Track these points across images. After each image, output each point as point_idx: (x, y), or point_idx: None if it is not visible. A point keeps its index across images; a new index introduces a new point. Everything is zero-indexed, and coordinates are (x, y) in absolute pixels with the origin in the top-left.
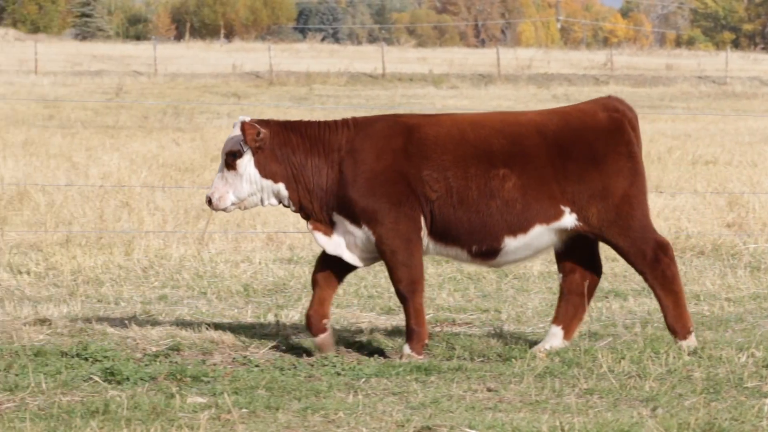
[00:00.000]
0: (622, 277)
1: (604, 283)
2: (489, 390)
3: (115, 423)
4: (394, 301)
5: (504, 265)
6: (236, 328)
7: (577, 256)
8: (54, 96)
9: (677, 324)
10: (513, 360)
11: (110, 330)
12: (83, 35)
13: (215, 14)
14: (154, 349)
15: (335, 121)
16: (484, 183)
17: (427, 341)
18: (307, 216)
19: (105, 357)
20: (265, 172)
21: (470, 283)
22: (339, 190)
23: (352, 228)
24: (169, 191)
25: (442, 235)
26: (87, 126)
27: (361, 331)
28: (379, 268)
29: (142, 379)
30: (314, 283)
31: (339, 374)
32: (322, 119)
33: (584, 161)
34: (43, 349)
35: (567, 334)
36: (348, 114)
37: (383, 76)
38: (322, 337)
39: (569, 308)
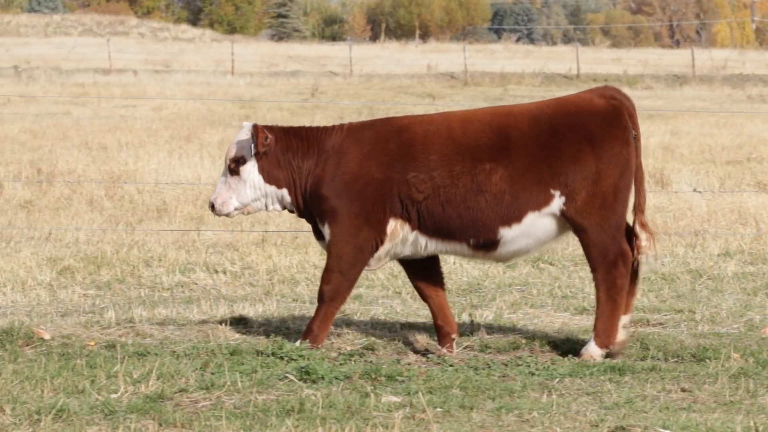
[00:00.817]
0: None
1: None
2: (683, 390)
3: (310, 422)
4: (588, 302)
5: (509, 257)
6: (430, 328)
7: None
8: (250, 96)
9: (603, 333)
10: (707, 360)
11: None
12: (279, 36)
13: (410, 15)
14: (349, 348)
15: (333, 126)
16: (470, 179)
17: (319, 345)
18: (310, 221)
19: (300, 356)
20: (269, 178)
21: (664, 284)
22: (315, 188)
23: (320, 225)
24: None
25: (436, 232)
26: None
27: (555, 331)
28: (573, 269)
29: (337, 378)
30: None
31: (533, 374)
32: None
33: (580, 143)
34: (239, 348)
35: (625, 309)
36: None
37: (578, 77)
38: None
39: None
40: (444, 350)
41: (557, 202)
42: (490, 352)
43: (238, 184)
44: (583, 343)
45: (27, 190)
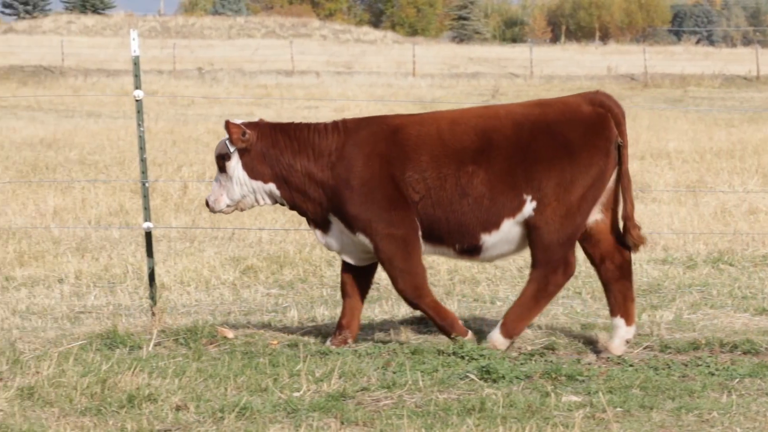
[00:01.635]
0: None
1: None
2: None
3: (491, 421)
4: None
5: (493, 259)
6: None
7: (604, 245)
8: (431, 98)
9: (512, 323)
10: None
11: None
12: (460, 38)
13: (590, 17)
14: (529, 347)
15: (325, 124)
16: (455, 181)
17: (460, 322)
18: (303, 214)
19: (481, 356)
20: (253, 174)
21: None
22: (333, 196)
23: (347, 231)
24: None
25: (429, 235)
26: None
27: (735, 332)
28: (753, 269)
29: (517, 378)
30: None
31: (713, 374)
32: (696, 121)
33: (558, 149)
34: (420, 347)
35: (628, 321)
36: (723, 116)
37: (757, 79)
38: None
39: (617, 296)
40: (329, 343)
41: (528, 208)
42: (670, 353)
43: (227, 181)
44: (760, 343)
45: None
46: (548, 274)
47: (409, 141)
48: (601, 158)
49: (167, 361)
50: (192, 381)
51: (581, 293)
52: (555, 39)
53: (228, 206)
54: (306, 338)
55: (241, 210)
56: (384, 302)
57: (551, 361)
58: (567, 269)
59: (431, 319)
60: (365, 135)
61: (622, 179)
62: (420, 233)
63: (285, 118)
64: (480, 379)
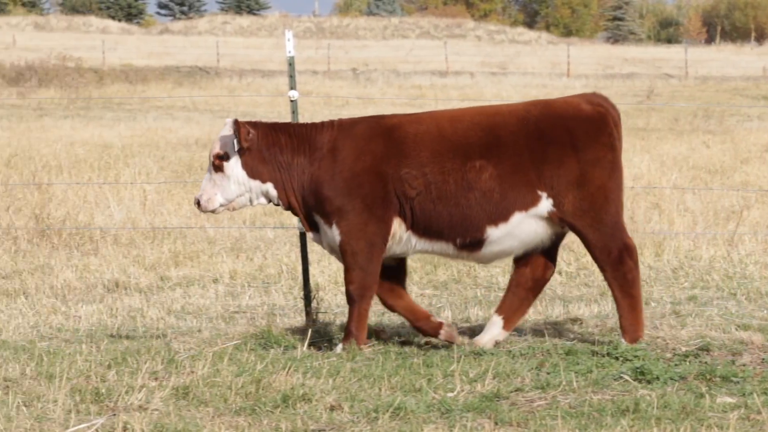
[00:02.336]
0: None
1: None
2: None
3: (645, 422)
4: None
5: (491, 258)
6: (766, 329)
7: (532, 251)
8: None
9: (630, 327)
10: None
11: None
12: (615, 38)
13: (746, 17)
14: (683, 349)
15: (322, 122)
16: (461, 176)
17: (362, 346)
18: (296, 214)
19: (635, 356)
20: (252, 173)
21: None
22: (316, 188)
23: (326, 228)
24: (698, 193)
25: (426, 230)
26: None
27: None
28: None
29: (671, 379)
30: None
31: None
32: None
33: (564, 146)
34: (574, 348)
35: (507, 325)
36: None
37: None
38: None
39: (515, 301)
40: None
41: (545, 204)
42: None
43: (222, 180)
44: None
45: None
46: (617, 268)
47: (406, 138)
48: (607, 152)
49: (321, 361)
50: (346, 381)
51: (736, 294)
52: (710, 39)
53: (221, 206)
54: (460, 338)
55: (232, 210)
56: (538, 303)
57: (705, 363)
58: (631, 252)
59: (349, 320)
60: (359, 131)
61: None
62: (394, 235)
63: None
64: (634, 380)
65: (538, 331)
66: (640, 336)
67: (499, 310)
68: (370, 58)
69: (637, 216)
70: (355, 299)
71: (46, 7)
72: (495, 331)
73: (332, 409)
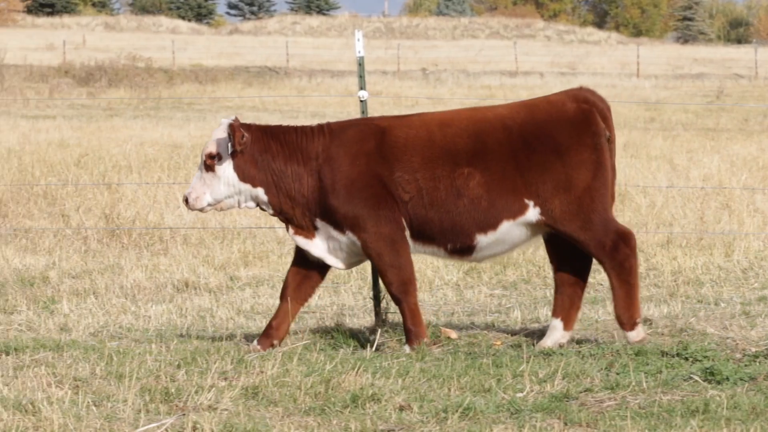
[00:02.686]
0: None
1: None
2: None
3: (715, 423)
4: None
5: (483, 260)
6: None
7: (566, 247)
8: (655, 99)
9: (625, 315)
10: None
11: (710, 330)
12: (684, 38)
13: None
14: (753, 349)
15: (311, 128)
16: (450, 183)
17: (426, 339)
18: (286, 220)
19: (705, 357)
20: (243, 177)
21: None
22: (320, 198)
23: (335, 233)
24: None
25: (419, 234)
26: (687, 128)
27: None
28: None
29: (741, 380)
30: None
31: None
32: None
33: (548, 152)
34: (643, 348)
35: (567, 326)
36: None
37: None
38: None
39: (565, 300)
40: (257, 345)
41: (532, 213)
42: None
43: (213, 180)
44: None
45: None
46: (614, 257)
47: (398, 142)
48: (591, 153)
49: (391, 362)
50: (415, 381)
51: None
52: None
53: (209, 205)
54: (529, 339)
55: (220, 210)
56: (608, 302)
57: None
58: (627, 240)
59: (404, 319)
60: (351, 135)
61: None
62: (407, 232)
63: None
64: (704, 381)
65: (606, 332)
66: (636, 322)
67: (555, 313)
68: (440, 59)
69: (707, 216)
70: (399, 298)
71: (116, 7)
72: (556, 335)
73: (401, 409)
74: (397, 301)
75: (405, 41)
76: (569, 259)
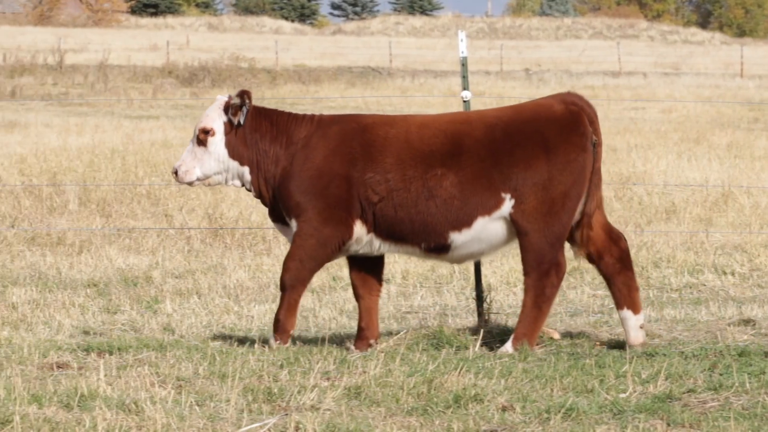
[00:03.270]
0: None
1: None
2: None
3: None
4: None
5: (462, 259)
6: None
7: (596, 240)
8: (759, 99)
9: (526, 336)
10: None
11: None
12: None
13: None
14: None
15: (303, 116)
16: (422, 183)
17: (292, 332)
18: (265, 204)
19: None
20: (233, 154)
21: None
22: (283, 181)
23: (287, 219)
24: None
25: (389, 234)
26: None
27: None
28: None
29: None
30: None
31: None
32: None
33: (534, 148)
34: (747, 349)
35: (635, 310)
36: None
37: None
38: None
39: (621, 288)
40: (354, 348)
41: (507, 206)
42: None
43: (204, 155)
44: None
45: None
46: (541, 279)
47: (376, 141)
48: (578, 154)
49: (493, 362)
50: (518, 381)
51: None
52: None
53: (198, 179)
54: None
55: (207, 185)
56: (711, 303)
57: None
58: (558, 270)
59: (278, 309)
60: (334, 131)
61: (593, 176)
62: (349, 239)
63: (612, 119)
64: None
65: (710, 333)
66: (531, 345)
67: (620, 305)
68: (543, 59)
69: None
70: (287, 287)
71: (220, 7)
72: (632, 323)
73: (504, 409)
74: (282, 289)
75: (508, 41)
76: (607, 250)
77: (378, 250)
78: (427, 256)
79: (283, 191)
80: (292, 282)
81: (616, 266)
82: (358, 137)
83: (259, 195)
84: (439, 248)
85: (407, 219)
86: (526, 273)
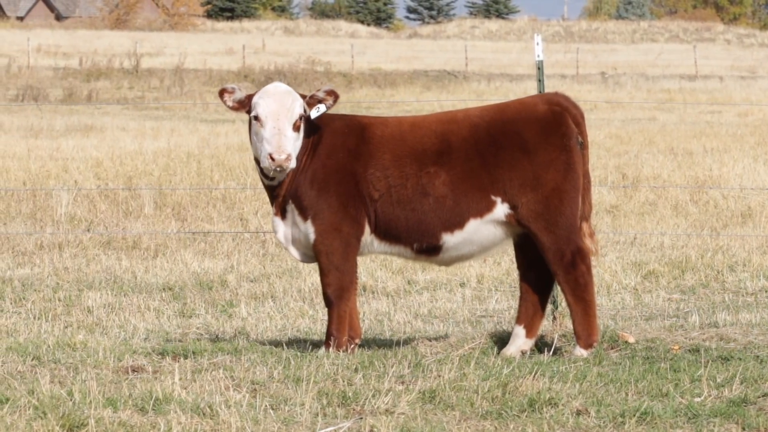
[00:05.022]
0: None
1: None
2: None
3: None
4: None
5: (451, 262)
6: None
7: (533, 254)
8: None
9: (584, 332)
10: None
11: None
12: None
13: None
14: None
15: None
16: (416, 181)
17: (342, 348)
18: (273, 197)
19: None
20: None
21: None
22: (296, 179)
23: (299, 220)
24: None
25: (386, 233)
26: None
27: None
28: None
29: None
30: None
31: None
32: None
33: (515, 150)
34: None
35: (530, 333)
36: None
37: None
38: None
39: (529, 307)
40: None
41: (500, 209)
42: None
43: (297, 141)
44: None
45: (613, 194)
46: (569, 271)
47: (374, 139)
48: (560, 153)
49: (568, 366)
50: (593, 385)
51: None
52: None
53: (291, 168)
54: (707, 343)
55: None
56: None
57: None
58: (584, 257)
59: (330, 323)
60: (336, 126)
61: (583, 178)
62: (366, 235)
63: (688, 123)
64: None
65: None
66: (594, 341)
67: (519, 320)
68: (619, 62)
69: None
70: (333, 302)
71: (296, 12)
72: (519, 342)
73: (579, 413)
74: (328, 304)
75: (584, 45)
76: (536, 266)
77: (373, 250)
78: (417, 258)
79: (296, 192)
80: (337, 293)
81: (537, 286)
82: (359, 133)
83: (280, 184)
84: (430, 249)
85: (403, 217)
86: (554, 272)
